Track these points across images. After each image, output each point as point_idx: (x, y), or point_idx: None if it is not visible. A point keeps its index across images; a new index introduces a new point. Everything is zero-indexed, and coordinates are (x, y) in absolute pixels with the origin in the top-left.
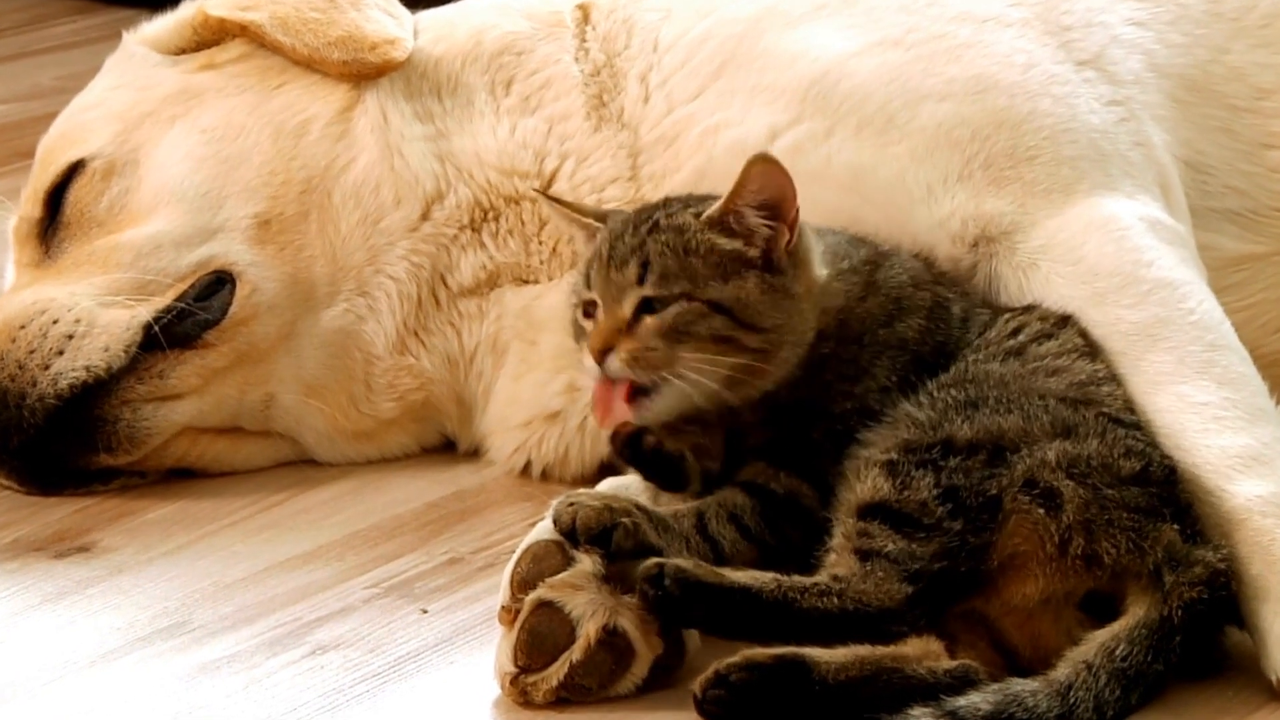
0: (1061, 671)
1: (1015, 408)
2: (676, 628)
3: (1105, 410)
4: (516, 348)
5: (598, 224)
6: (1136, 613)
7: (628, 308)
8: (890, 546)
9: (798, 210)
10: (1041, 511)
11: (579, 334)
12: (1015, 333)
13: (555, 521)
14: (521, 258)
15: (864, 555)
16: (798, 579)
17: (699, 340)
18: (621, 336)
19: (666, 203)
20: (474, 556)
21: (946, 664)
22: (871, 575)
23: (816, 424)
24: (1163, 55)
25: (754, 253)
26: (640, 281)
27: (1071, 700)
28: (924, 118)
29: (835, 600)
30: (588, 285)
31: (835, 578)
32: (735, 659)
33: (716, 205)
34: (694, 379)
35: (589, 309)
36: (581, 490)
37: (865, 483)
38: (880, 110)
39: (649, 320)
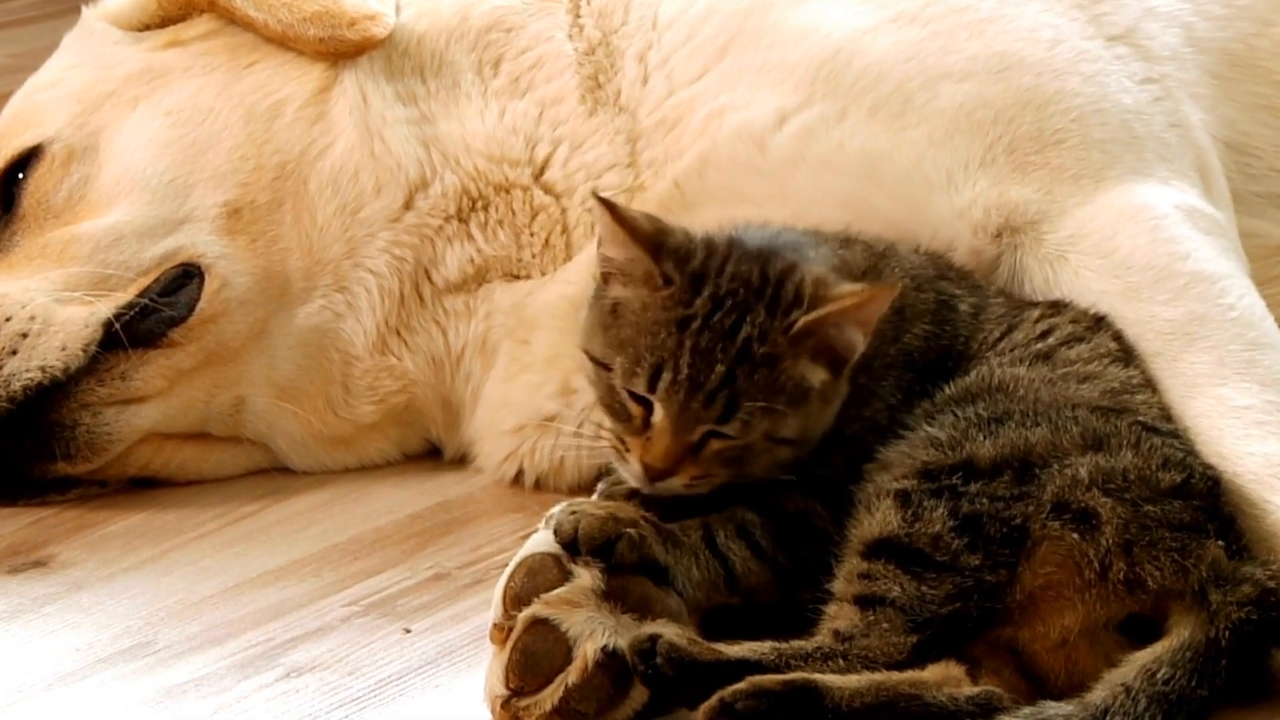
0: (1098, 694)
1: (1043, 419)
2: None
3: (1140, 419)
4: (507, 348)
5: (655, 266)
6: (1180, 634)
7: (696, 435)
8: (896, 591)
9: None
10: (1076, 536)
11: (616, 412)
12: (1045, 335)
13: (556, 530)
14: (512, 251)
15: (866, 602)
16: (798, 644)
17: (756, 465)
18: (686, 460)
19: (747, 297)
20: (461, 572)
21: (968, 690)
22: (876, 627)
23: (829, 451)
24: (1202, 28)
25: (828, 374)
26: (721, 422)
27: None
28: (943, 99)
29: (841, 663)
30: (650, 385)
31: (837, 635)
32: (742, 685)
33: (818, 314)
34: (737, 481)
35: (639, 399)
36: (584, 498)
37: (875, 515)
38: (896, 91)
39: (715, 445)
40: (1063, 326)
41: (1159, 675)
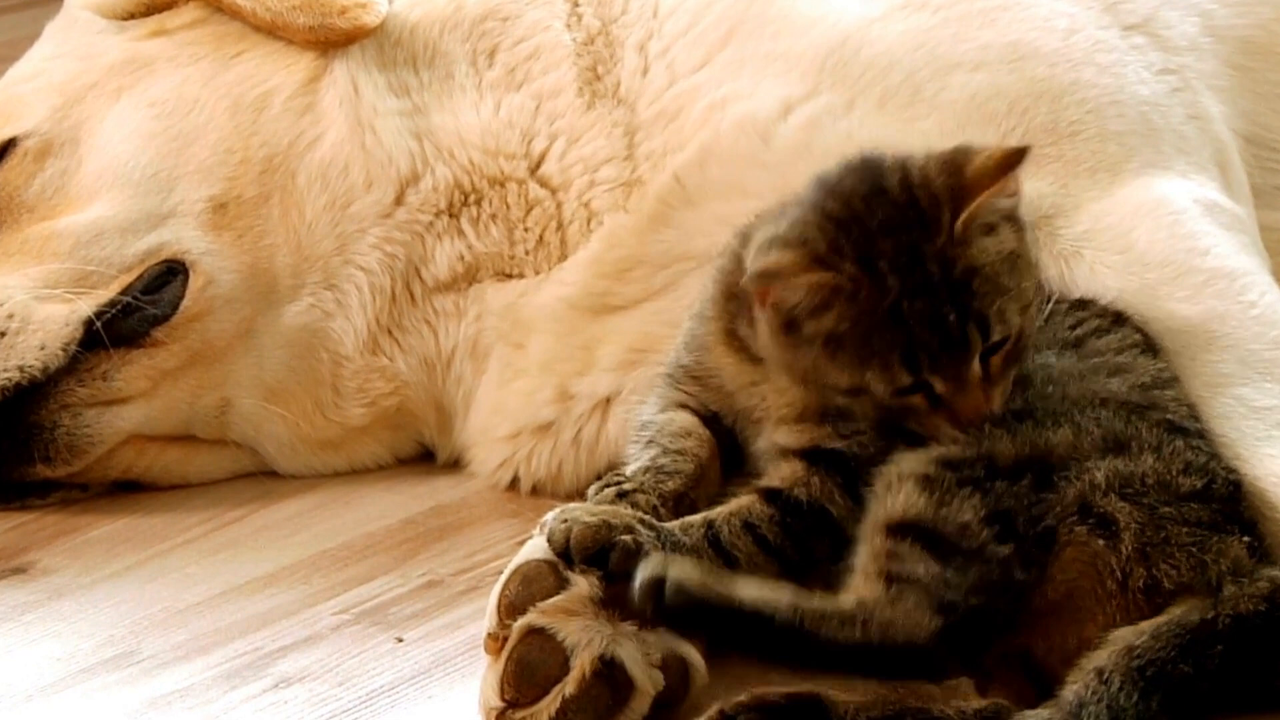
0: (1070, 690)
1: (1065, 420)
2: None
3: (1169, 417)
4: (500, 351)
5: (840, 278)
6: (1173, 612)
7: (976, 368)
8: (921, 571)
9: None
10: (1101, 543)
11: (889, 415)
12: (1074, 327)
13: (549, 539)
14: (504, 247)
15: (891, 579)
16: (817, 601)
17: (1031, 335)
18: (987, 391)
19: (899, 235)
20: (455, 579)
21: (976, 703)
22: (900, 602)
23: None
24: (1221, 16)
25: (1010, 229)
26: (986, 339)
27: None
28: (955, 89)
29: (858, 630)
30: (914, 371)
31: (860, 603)
32: (743, 698)
33: (966, 215)
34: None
35: (910, 389)
36: (577, 504)
37: (897, 497)
38: (906, 81)
39: (996, 360)
40: (1089, 320)
41: (1137, 646)
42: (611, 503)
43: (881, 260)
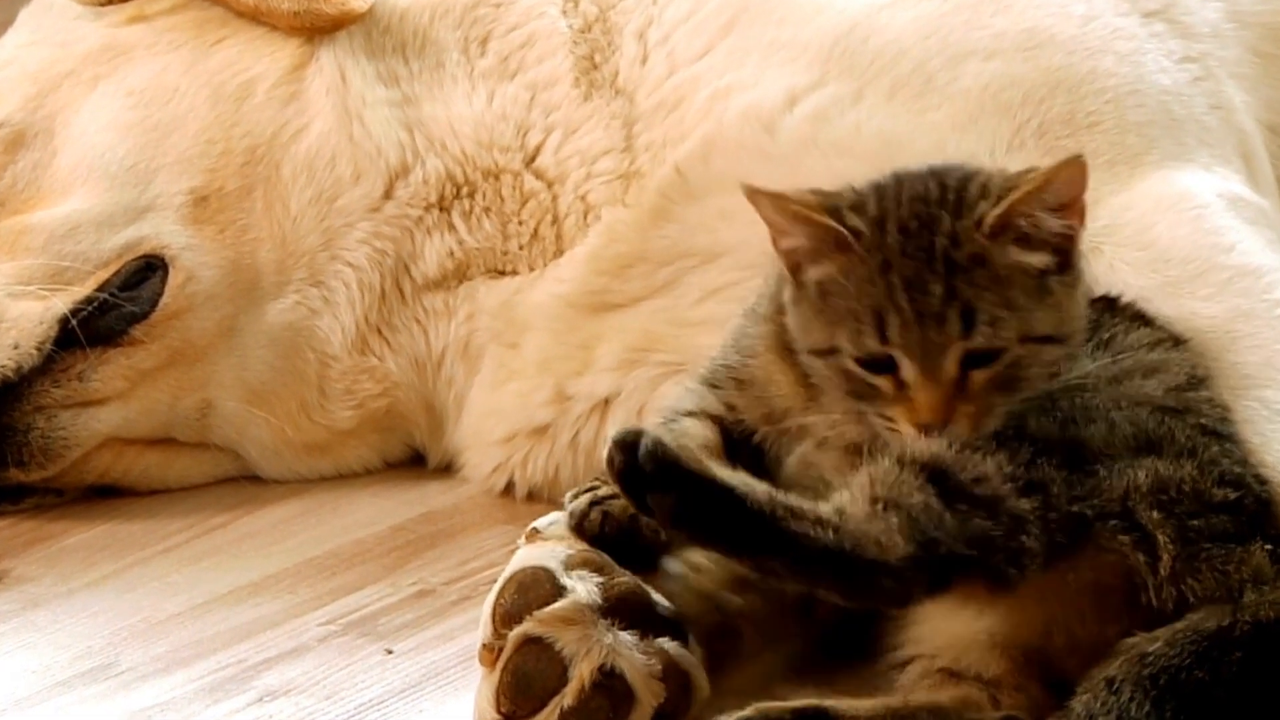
0: (1079, 701)
1: (1099, 416)
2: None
3: (1203, 421)
4: (494, 352)
5: (838, 227)
6: (1190, 618)
7: (952, 365)
8: (916, 499)
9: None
10: (1143, 559)
11: (855, 391)
12: (1096, 325)
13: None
14: (497, 242)
15: (879, 502)
16: (794, 499)
17: (1032, 381)
18: (955, 401)
19: (926, 206)
20: (447, 588)
21: (990, 715)
22: (880, 520)
23: None
24: (1245, 2)
25: (1052, 259)
26: (966, 335)
27: None
28: (968, 79)
29: (830, 534)
30: (881, 336)
31: (838, 509)
32: (746, 712)
33: (1004, 207)
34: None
35: (878, 363)
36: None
37: (920, 442)
38: (917, 70)
39: (980, 376)
40: (1118, 318)
41: (1149, 653)
42: (585, 509)
43: (891, 221)
